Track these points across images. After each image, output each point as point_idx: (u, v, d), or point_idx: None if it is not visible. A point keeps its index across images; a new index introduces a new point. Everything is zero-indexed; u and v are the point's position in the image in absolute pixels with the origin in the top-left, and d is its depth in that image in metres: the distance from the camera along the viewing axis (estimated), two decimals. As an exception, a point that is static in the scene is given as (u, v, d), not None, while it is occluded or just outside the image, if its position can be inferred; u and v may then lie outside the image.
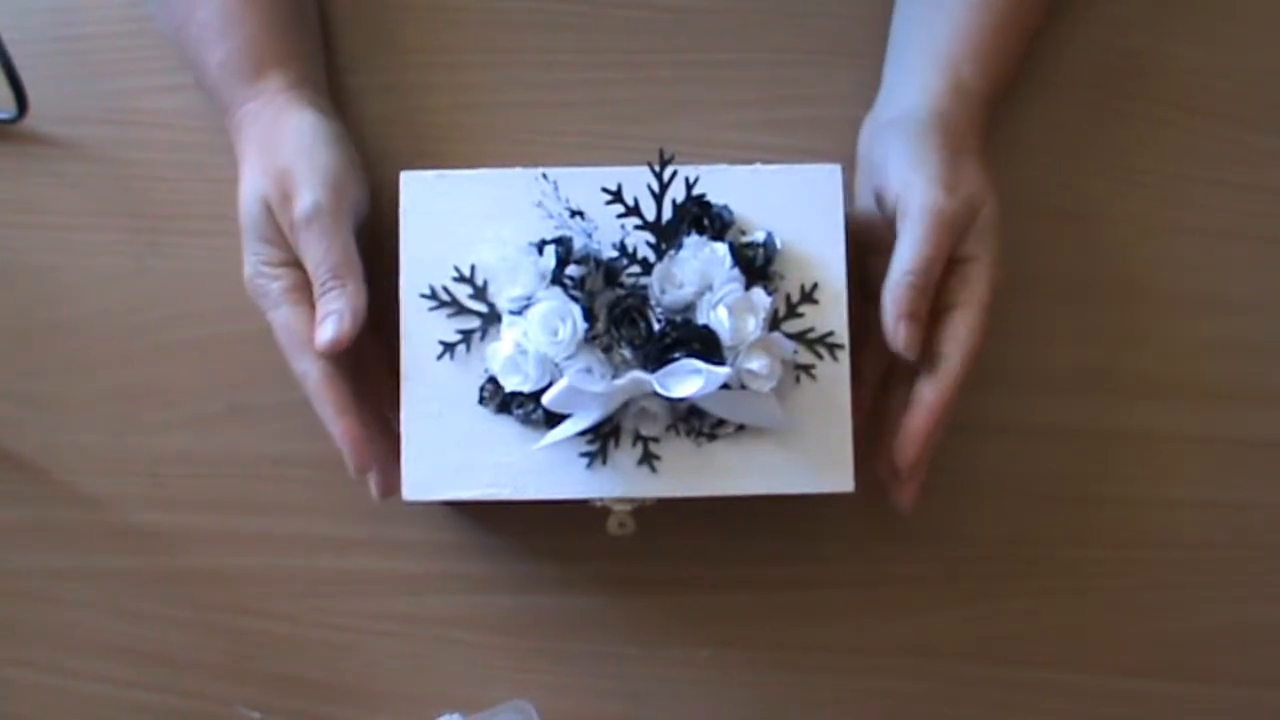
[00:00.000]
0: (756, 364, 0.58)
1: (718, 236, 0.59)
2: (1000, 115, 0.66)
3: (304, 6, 0.68)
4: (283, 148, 0.61)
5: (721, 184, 0.60)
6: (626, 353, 0.58)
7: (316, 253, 0.59)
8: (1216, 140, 0.70)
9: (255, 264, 0.61)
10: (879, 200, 0.62)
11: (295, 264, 0.61)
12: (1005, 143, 0.68)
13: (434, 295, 0.60)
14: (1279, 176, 0.70)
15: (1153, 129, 0.70)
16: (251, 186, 0.61)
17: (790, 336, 0.60)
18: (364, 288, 0.60)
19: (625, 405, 0.59)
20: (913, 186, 0.59)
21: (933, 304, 0.60)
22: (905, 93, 0.64)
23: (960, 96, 0.63)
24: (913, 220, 0.59)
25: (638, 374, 0.57)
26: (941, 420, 0.60)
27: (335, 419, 0.59)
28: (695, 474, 0.60)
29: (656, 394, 0.57)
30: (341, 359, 0.60)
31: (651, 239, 0.60)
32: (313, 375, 0.59)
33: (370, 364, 0.63)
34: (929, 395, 0.59)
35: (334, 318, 0.59)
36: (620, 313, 0.58)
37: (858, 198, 0.66)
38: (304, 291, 0.60)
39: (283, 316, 0.60)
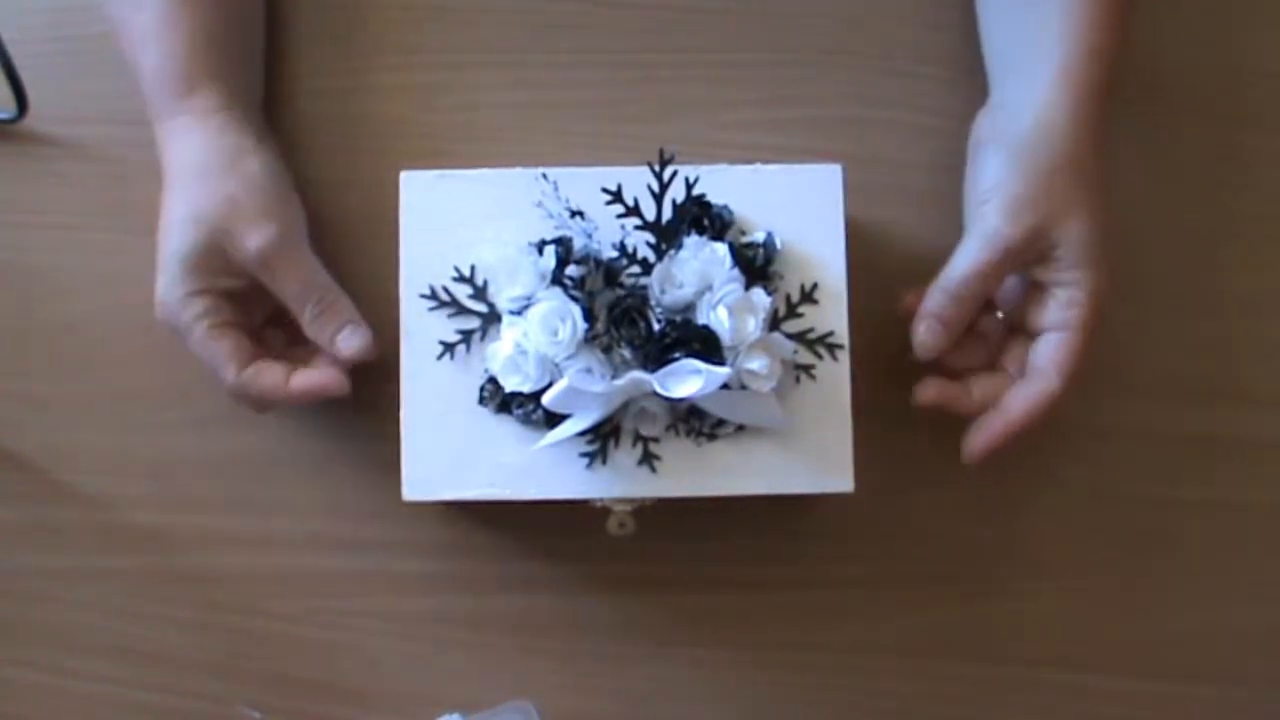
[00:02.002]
0: (756, 364, 0.58)
1: (718, 236, 0.59)
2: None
3: (246, 13, 0.67)
4: (228, 179, 0.61)
5: (721, 184, 0.60)
6: (626, 353, 0.58)
7: (297, 278, 0.62)
8: (1215, 140, 0.70)
9: (168, 287, 0.61)
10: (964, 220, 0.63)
11: (213, 292, 0.61)
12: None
13: (434, 295, 0.60)
14: (1277, 176, 0.70)
15: (1152, 128, 0.70)
16: (188, 211, 0.61)
17: (790, 336, 0.60)
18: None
19: (625, 405, 0.59)
20: (984, 208, 0.61)
21: (1027, 325, 0.62)
22: (1015, 96, 0.63)
23: (1070, 95, 0.61)
24: (969, 239, 0.61)
25: (638, 374, 0.57)
26: (1020, 431, 0.61)
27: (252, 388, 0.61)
28: (695, 474, 0.60)
29: (656, 394, 0.57)
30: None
31: (651, 239, 0.60)
32: (229, 380, 0.61)
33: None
34: (1017, 406, 0.61)
35: (350, 326, 0.62)
36: (620, 313, 0.58)
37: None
38: (211, 319, 0.61)
39: (194, 344, 0.61)
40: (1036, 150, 0.61)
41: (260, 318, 0.64)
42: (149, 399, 0.68)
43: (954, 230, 0.65)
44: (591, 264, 0.59)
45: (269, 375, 0.62)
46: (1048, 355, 0.61)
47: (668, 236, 0.60)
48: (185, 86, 0.63)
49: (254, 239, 0.60)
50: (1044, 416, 0.60)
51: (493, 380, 0.60)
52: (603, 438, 0.59)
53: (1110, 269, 0.61)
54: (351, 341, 0.62)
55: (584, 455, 0.60)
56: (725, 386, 0.57)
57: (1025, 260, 0.61)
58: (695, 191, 0.60)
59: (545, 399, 0.57)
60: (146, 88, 0.64)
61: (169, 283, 0.61)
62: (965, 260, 0.61)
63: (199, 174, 0.61)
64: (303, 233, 0.63)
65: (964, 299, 0.61)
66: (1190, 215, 0.70)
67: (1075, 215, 0.60)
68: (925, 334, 0.61)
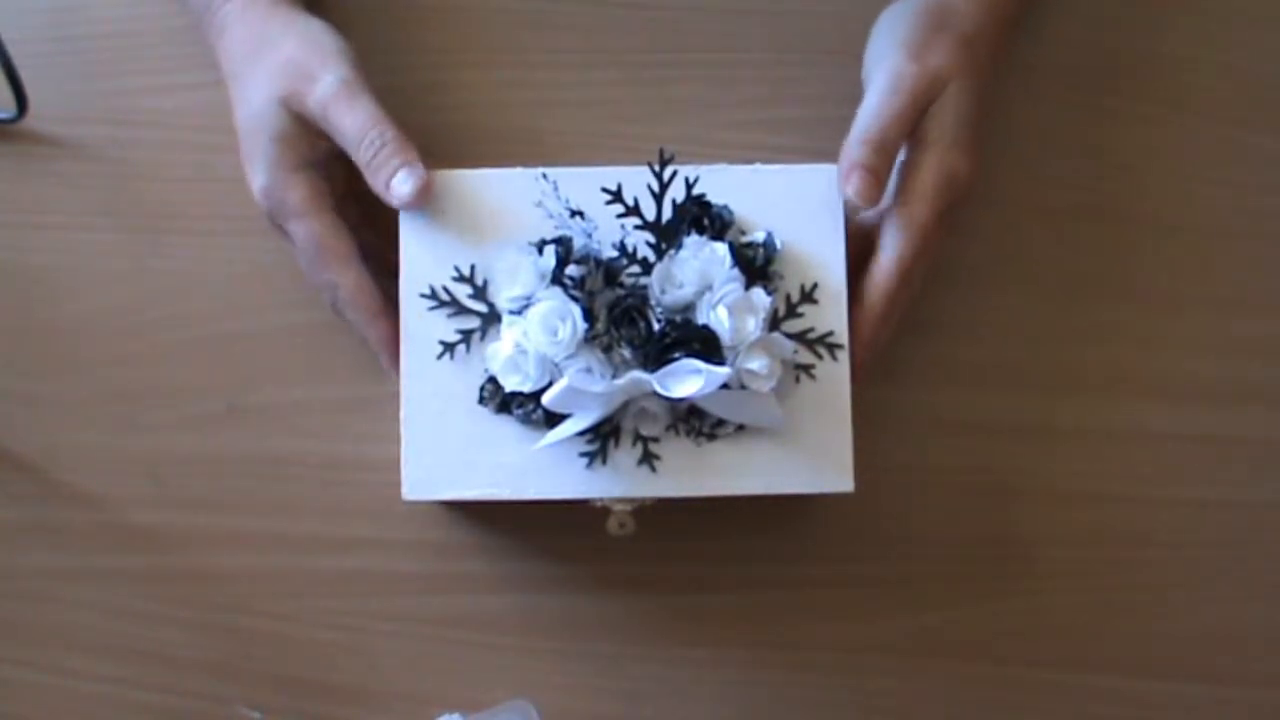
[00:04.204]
0: (756, 364, 0.58)
1: (718, 236, 0.59)
2: (994, 114, 0.66)
3: None
4: (284, 44, 0.61)
5: (721, 184, 0.60)
6: (626, 353, 0.58)
7: (355, 117, 0.59)
8: (1213, 140, 0.70)
9: (268, 171, 0.60)
10: (864, 85, 0.62)
11: (312, 166, 0.61)
12: (1000, 141, 0.68)
13: (434, 295, 0.60)
14: (1277, 176, 0.70)
15: (1148, 128, 0.70)
16: (259, 89, 0.61)
17: (790, 336, 0.60)
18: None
19: (625, 405, 0.59)
20: (883, 58, 0.61)
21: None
22: None
23: None
24: (874, 87, 0.60)
25: (638, 374, 0.57)
26: (888, 318, 0.60)
27: (371, 323, 0.61)
28: (695, 474, 0.60)
29: (656, 394, 0.57)
30: (370, 267, 0.61)
31: (651, 239, 0.60)
32: (345, 284, 0.61)
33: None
34: (869, 296, 0.60)
35: (406, 169, 0.59)
36: (620, 313, 0.58)
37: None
38: (323, 199, 0.61)
39: (305, 228, 0.60)
40: (938, 16, 0.62)
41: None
42: (149, 399, 0.68)
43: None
44: (591, 264, 0.59)
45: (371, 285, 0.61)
46: (891, 230, 0.60)
47: (668, 236, 0.60)
48: None
49: (314, 91, 0.60)
50: (901, 286, 0.60)
51: (493, 380, 0.60)
52: (603, 438, 0.59)
53: (982, 169, 0.61)
54: (403, 187, 0.59)
55: (584, 455, 0.60)
56: (725, 386, 0.57)
57: (923, 105, 0.60)
58: (695, 191, 0.60)
59: (545, 399, 0.57)
60: None
61: (268, 165, 0.60)
62: (876, 107, 0.60)
63: (257, 52, 0.61)
64: (361, 80, 0.60)
65: (884, 145, 0.59)
66: (1190, 214, 0.70)
67: (957, 80, 0.60)
68: (861, 185, 0.58)
